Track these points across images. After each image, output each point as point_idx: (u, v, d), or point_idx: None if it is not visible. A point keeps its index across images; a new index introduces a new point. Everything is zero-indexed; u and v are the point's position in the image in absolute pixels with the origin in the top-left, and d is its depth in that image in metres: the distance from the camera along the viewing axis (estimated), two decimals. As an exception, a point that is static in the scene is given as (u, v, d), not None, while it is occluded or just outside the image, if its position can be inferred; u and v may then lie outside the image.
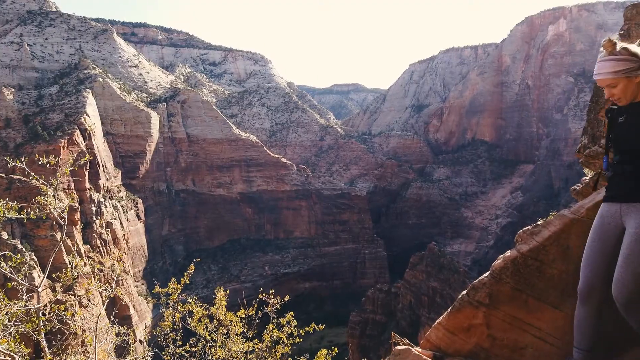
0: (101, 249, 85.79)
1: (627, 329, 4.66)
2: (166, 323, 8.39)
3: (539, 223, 6.73)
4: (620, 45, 4.40)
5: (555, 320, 5.44)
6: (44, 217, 6.60)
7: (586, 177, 11.16)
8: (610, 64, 4.36)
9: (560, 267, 5.46)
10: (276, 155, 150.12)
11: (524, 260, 5.67)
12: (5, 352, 5.61)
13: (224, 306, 8.72)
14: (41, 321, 5.99)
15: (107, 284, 8.17)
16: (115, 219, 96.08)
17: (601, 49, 4.70)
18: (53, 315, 6.40)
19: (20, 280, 6.17)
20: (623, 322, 4.61)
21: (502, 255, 6.15)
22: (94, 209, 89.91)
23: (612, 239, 4.52)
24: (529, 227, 7.27)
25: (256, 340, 8.82)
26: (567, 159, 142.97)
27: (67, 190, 79.24)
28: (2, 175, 73.13)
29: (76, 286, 58.51)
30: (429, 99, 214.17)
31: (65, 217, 6.72)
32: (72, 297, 58.54)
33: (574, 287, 5.37)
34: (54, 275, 7.74)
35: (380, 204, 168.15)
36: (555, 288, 5.47)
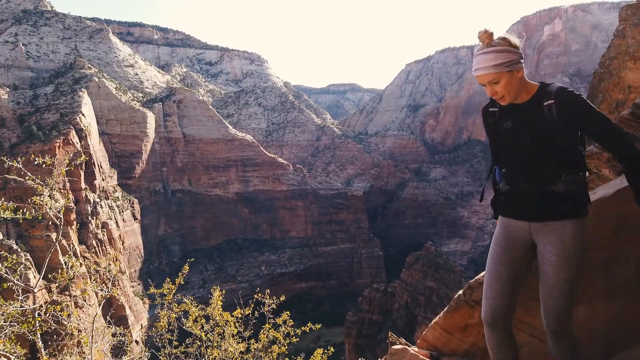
0: (97, 249, 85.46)
1: (622, 327, 4.68)
2: (161, 323, 8.37)
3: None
4: (498, 35, 3.85)
5: (551, 320, 5.46)
6: (40, 218, 6.58)
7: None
8: (490, 56, 3.74)
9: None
10: (272, 155, 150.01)
11: (520, 259, 5.68)
12: (2, 352, 5.60)
13: (220, 306, 8.71)
14: (37, 322, 5.97)
15: (103, 285, 8.15)
16: (111, 219, 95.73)
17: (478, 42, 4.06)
18: (49, 315, 6.38)
19: (15, 281, 6.15)
20: (618, 320, 4.63)
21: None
22: (89, 209, 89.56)
23: (519, 260, 3.97)
24: (524, 226, 7.29)
25: (253, 340, 8.81)
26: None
27: (62, 191, 78.91)
28: (-3, 175, 72.75)
29: (72, 287, 58.30)
30: (425, 98, 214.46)
31: (61, 217, 6.70)
32: (68, 297, 58.32)
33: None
34: (49, 276, 7.72)
35: (377, 204, 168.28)
36: None
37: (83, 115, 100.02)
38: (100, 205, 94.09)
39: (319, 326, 9.83)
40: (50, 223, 66.63)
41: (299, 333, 9.18)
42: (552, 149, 3.72)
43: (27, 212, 6.37)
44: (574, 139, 3.77)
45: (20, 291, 6.21)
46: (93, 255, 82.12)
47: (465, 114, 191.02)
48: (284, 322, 8.87)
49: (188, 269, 9.29)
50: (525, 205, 3.88)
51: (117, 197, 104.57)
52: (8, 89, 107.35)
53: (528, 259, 4.08)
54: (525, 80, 3.84)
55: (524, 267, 4.12)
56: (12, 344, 5.79)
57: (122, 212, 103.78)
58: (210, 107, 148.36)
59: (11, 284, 6.18)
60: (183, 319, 8.46)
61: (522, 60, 3.77)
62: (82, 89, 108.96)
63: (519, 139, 3.86)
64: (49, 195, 6.55)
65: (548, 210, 3.77)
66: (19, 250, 60.77)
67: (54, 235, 66.27)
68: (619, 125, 8.12)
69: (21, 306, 5.98)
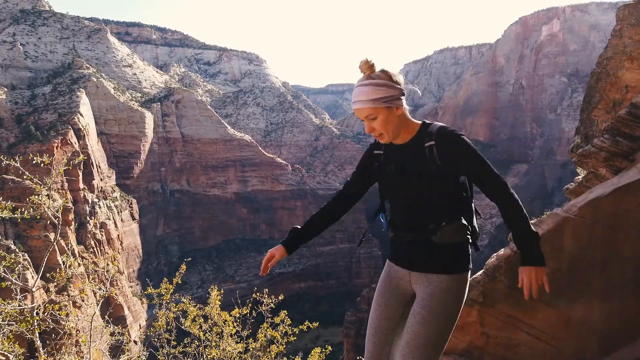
0: (95, 249, 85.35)
1: (620, 326, 4.70)
2: (160, 323, 8.37)
3: (532, 222, 6.78)
4: (377, 67, 3.41)
5: (548, 318, 5.48)
6: (38, 217, 6.58)
7: (579, 177, 11.23)
8: (368, 89, 3.31)
9: (553, 265, 5.50)
10: (271, 155, 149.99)
11: (518, 258, 5.70)
12: (0, 351, 5.60)
13: (218, 306, 8.71)
14: (35, 321, 5.98)
15: (102, 284, 8.14)
16: (109, 219, 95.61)
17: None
18: (47, 315, 6.38)
19: (14, 280, 6.15)
20: (615, 318, 4.65)
21: (495, 254, 6.19)
22: (87, 209, 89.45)
23: (401, 306, 3.65)
24: (522, 225, 7.30)
25: (251, 339, 8.82)
26: (560, 159, 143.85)
27: (60, 191, 78.79)
28: (-6, 175, 72.64)
29: (70, 286, 58.24)
30: (424, 98, 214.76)
31: (60, 217, 6.70)
32: (67, 297, 58.25)
33: (567, 286, 5.41)
34: (47, 276, 7.72)
35: (376, 204, 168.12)
36: (548, 286, 5.51)
37: (81, 115, 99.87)
38: (99, 205, 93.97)
39: (316, 324, 9.83)
40: (48, 223, 66.55)
41: (297, 332, 9.19)
42: (434, 196, 3.36)
43: (25, 212, 6.37)
44: (457, 184, 3.41)
45: (18, 291, 6.21)
46: (91, 255, 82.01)
47: (463, 114, 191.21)
48: (282, 321, 8.88)
49: (185, 269, 9.29)
50: (406, 254, 3.59)
51: (116, 197, 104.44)
52: (6, 89, 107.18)
53: (409, 310, 3.63)
54: (406, 119, 3.46)
55: (404, 319, 3.66)
56: (11, 343, 5.80)
57: (121, 212, 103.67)
58: (209, 107, 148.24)
59: (9, 283, 6.18)
60: (182, 319, 8.47)
61: (402, 97, 3.40)
62: (80, 89, 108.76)
63: (400, 184, 3.51)
64: (47, 195, 6.54)
65: (426, 261, 3.45)
66: (17, 250, 60.69)
67: (52, 235, 66.19)
68: (617, 125, 8.15)
69: (19, 305, 5.98)
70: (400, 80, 3.41)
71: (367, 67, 3.38)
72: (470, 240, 3.49)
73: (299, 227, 3.93)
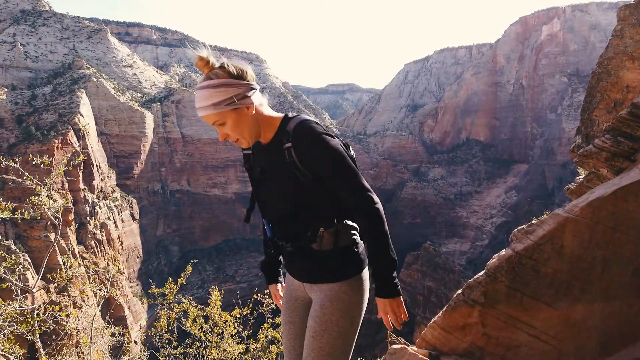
0: (95, 249, 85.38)
1: (621, 326, 4.70)
2: (161, 324, 8.37)
3: (533, 222, 6.78)
4: (216, 62, 2.93)
5: (549, 319, 5.48)
6: (38, 218, 6.58)
7: (580, 177, 11.22)
8: (207, 92, 2.80)
9: (555, 265, 5.50)
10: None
11: (519, 259, 5.70)
12: (1, 352, 5.60)
13: (218, 306, 8.71)
14: (36, 322, 5.97)
15: (102, 285, 8.14)
16: (109, 219, 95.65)
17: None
18: (48, 315, 6.38)
19: (14, 281, 6.14)
20: (616, 319, 4.65)
21: (497, 254, 6.18)
22: (88, 209, 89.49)
23: (299, 318, 3.40)
24: (523, 226, 7.33)
25: (251, 340, 8.81)
26: (561, 159, 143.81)
27: (61, 191, 78.82)
28: (-5, 175, 72.66)
29: (70, 287, 58.27)
30: (424, 99, 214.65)
31: (60, 217, 6.69)
32: (67, 297, 58.30)
33: (567, 286, 5.41)
34: (48, 276, 7.72)
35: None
36: (550, 287, 5.51)
37: (81, 115, 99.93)
38: (99, 205, 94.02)
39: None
40: (48, 223, 66.58)
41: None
42: (307, 202, 2.93)
43: (26, 213, 6.36)
44: (328, 187, 2.95)
45: (19, 291, 6.20)
46: (92, 255, 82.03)
47: (463, 114, 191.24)
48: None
49: (191, 270, 9.28)
50: (292, 265, 3.22)
51: (116, 198, 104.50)
52: (6, 89, 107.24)
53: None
54: (264, 115, 2.99)
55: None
56: (11, 344, 5.80)
57: (121, 212, 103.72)
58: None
59: (10, 284, 6.18)
60: (183, 319, 8.47)
61: (252, 92, 2.89)
62: (81, 89, 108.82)
63: (268, 190, 3.08)
64: (47, 196, 6.54)
65: (311, 272, 3.09)
66: (18, 250, 60.75)
67: (52, 236, 66.22)
68: (618, 125, 8.14)
69: (20, 306, 5.98)
70: (247, 73, 2.94)
71: (203, 64, 2.91)
72: (359, 240, 3.08)
73: (265, 260, 3.59)
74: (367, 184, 2.86)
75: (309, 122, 2.93)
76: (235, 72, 2.87)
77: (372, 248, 2.83)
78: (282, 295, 3.51)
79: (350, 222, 3.03)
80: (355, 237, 3.05)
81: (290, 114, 3.07)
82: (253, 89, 2.91)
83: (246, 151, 3.27)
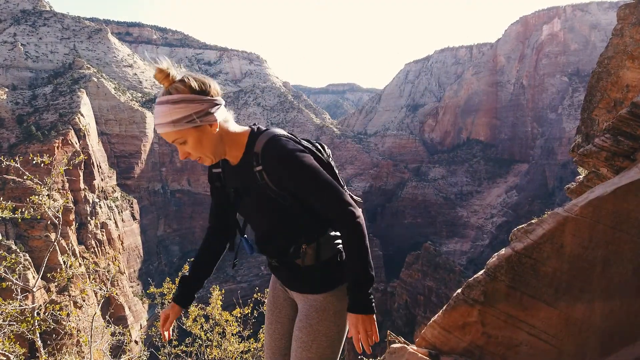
0: (96, 249, 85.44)
1: (621, 325, 4.70)
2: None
3: (533, 221, 6.79)
4: (177, 75, 2.66)
5: (549, 318, 5.48)
6: (39, 217, 6.61)
7: (580, 176, 11.22)
8: (166, 109, 2.55)
9: (554, 265, 5.50)
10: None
11: (519, 258, 5.70)
12: (1, 352, 5.60)
13: (219, 306, 8.72)
14: (36, 321, 5.98)
15: (102, 284, 8.15)
16: (110, 219, 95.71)
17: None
18: (48, 315, 6.39)
19: (15, 280, 6.15)
20: (616, 318, 4.65)
21: (496, 254, 6.18)
22: (88, 209, 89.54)
23: (287, 317, 3.41)
24: (523, 225, 7.33)
25: (252, 339, 8.83)
26: (561, 159, 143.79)
27: (61, 191, 78.88)
28: (-5, 175, 72.72)
29: (71, 286, 58.29)
30: (424, 98, 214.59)
31: (60, 217, 6.70)
32: (67, 297, 58.32)
33: (567, 285, 5.41)
34: (48, 276, 7.73)
35: (376, 204, 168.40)
36: (549, 286, 5.51)
37: (82, 115, 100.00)
38: (100, 205, 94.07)
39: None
40: (49, 223, 66.63)
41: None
42: (286, 220, 2.85)
43: (26, 212, 6.37)
44: (306, 204, 2.87)
45: (19, 291, 6.21)
46: (92, 255, 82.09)
47: (464, 113, 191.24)
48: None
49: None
50: (280, 277, 3.25)
51: (116, 197, 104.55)
52: (7, 89, 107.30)
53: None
54: (230, 132, 2.78)
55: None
56: (11, 343, 5.81)
57: (121, 212, 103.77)
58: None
59: (10, 283, 6.19)
60: (183, 319, 8.48)
61: (216, 109, 2.66)
62: (81, 89, 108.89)
63: (245, 210, 3.00)
64: (48, 195, 6.55)
65: (297, 283, 3.07)
66: (18, 250, 60.79)
67: (53, 236, 66.26)
68: (618, 125, 8.14)
69: (20, 305, 5.99)
70: (211, 87, 2.70)
71: (163, 77, 2.61)
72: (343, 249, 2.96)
73: (187, 275, 3.43)
74: (347, 197, 2.77)
75: (277, 140, 2.73)
76: (197, 87, 2.64)
77: (351, 263, 2.70)
78: (168, 323, 3.35)
79: (333, 233, 2.98)
80: (339, 246, 3.00)
81: (256, 128, 2.88)
82: (217, 104, 2.69)
83: (215, 169, 3.09)
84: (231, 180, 2.96)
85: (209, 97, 2.65)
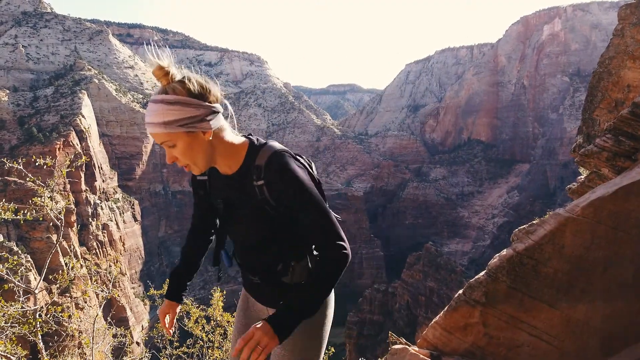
0: (97, 250, 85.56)
1: (622, 326, 4.69)
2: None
3: (534, 222, 6.79)
4: (177, 74, 2.59)
5: (550, 319, 5.47)
6: (40, 219, 6.63)
7: (581, 176, 11.21)
8: (159, 108, 2.43)
9: (556, 265, 5.49)
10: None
11: (520, 259, 5.70)
12: (2, 353, 5.61)
13: (220, 307, 8.73)
14: (38, 323, 5.99)
15: (104, 286, 8.16)
16: (111, 220, 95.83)
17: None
18: (50, 316, 6.40)
19: (16, 282, 6.16)
20: (617, 319, 4.64)
21: (498, 254, 6.18)
22: (90, 210, 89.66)
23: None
24: (524, 226, 7.33)
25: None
26: (562, 159, 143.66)
27: (63, 192, 78.97)
28: (-3, 177, 72.84)
29: (72, 288, 58.35)
30: (425, 99, 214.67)
31: (62, 218, 6.71)
32: (69, 299, 58.36)
33: (568, 286, 5.41)
34: (50, 277, 7.74)
35: (377, 204, 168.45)
36: (551, 286, 5.50)
37: (83, 116, 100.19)
38: (101, 206, 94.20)
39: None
40: (50, 225, 66.72)
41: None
42: (279, 237, 2.76)
43: (28, 214, 6.39)
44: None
45: (21, 292, 6.22)
46: (94, 256, 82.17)
47: (465, 114, 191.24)
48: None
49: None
50: (259, 294, 3.08)
51: (118, 199, 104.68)
52: (8, 91, 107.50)
53: None
54: (224, 142, 2.64)
55: None
56: (13, 345, 5.81)
57: (123, 213, 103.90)
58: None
59: (12, 285, 6.20)
60: (185, 320, 8.49)
61: (212, 116, 2.54)
62: (82, 91, 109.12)
63: (234, 224, 2.84)
64: (50, 197, 6.56)
65: (279, 300, 2.87)
66: (20, 252, 60.87)
67: (54, 237, 66.36)
68: (619, 125, 8.13)
69: (22, 307, 6.00)
70: (210, 92, 2.59)
71: (162, 74, 2.53)
72: None
73: (179, 269, 3.33)
74: (341, 231, 2.63)
75: (281, 156, 2.63)
76: (196, 90, 2.51)
77: (310, 290, 2.53)
78: (170, 321, 3.30)
79: (311, 259, 2.90)
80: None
81: (256, 141, 2.75)
82: (215, 111, 2.55)
83: (200, 177, 2.94)
84: (221, 190, 2.82)
85: (207, 103, 2.52)
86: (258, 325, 2.36)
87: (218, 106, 2.61)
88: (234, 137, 2.71)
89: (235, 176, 2.71)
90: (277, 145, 2.75)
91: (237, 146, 2.69)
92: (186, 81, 2.53)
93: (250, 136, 2.79)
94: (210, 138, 2.55)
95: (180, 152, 2.52)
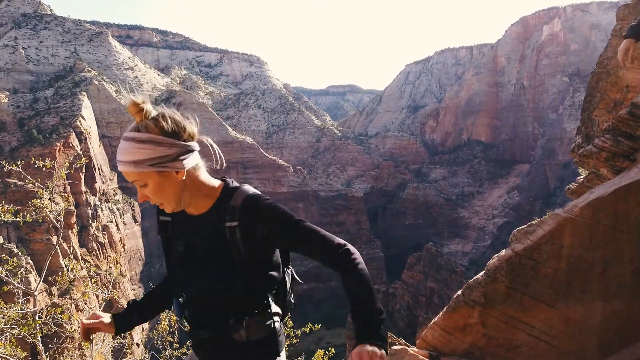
0: (97, 252, 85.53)
1: (621, 327, 4.70)
2: (162, 326, 8.39)
3: (533, 222, 6.79)
4: (152, 111, 2.46)
5: (549, 319, 5.48)
6: (40, 221, 6.64)
7: (581, 177, 11.22)
8: (129, 146, 2.34)
9: (554, 265, 5.51)
10: (273, 157, 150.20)
11: (519, 259, 5.71)
12: (2, 355, 5.62)
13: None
14: (37, 324, 5.99)
15: (104, 287, 8.16)
16: (111, 222, 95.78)
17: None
18: (49, 318, 6.41)
19: (16, 284, 6.17)
20: (616, 319, 4.65)
21: (497, 255, 6.20)
22: (90, 212, 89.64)
23: None
24: (523, 226, 7.34)
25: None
26: (562, 159, 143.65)
27: (63, 194, 78.96)
28: (-3, 179, 72.85)
29: (72, 290, 58.33)
30: (425, 99, 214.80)
31: (62, 220, 6.72)
32: (69, 300, 58.34)
33: (567, 286, 5.42)
34: (50, 279, 7.75)
35: (377, 205, 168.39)
36: (550, 287, 5.51)
37: (83, 118, 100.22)
38: (101, 208, 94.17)
39: (318, 326, 9.84)
40: (50, 226, 66.72)
41: (299, 334, 9.20)
42: (236, 287, 2.58)
43: (28, 215, 6.40)
44: (268, 265, 2.67)
45: (20, 294, 6.23)
46: (94, 258, 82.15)
47: (465, 114, 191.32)
48: (284, 323, 8.87)
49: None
50: (203, 350, 2.80)
51: (118, 200, 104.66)
52: (8, 93, 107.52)
53: None
54: (198, 181, 2.55)
55: None
56: (13, 346, 5.82)
57: (123, 215, 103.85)
58: (210, 109, 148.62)
59: (12, 287, 6.20)
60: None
61: (187, 156, 2.45)
62: (82, 92, 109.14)
63: (190, 270, 2.65)
64: (49, 199, 6.57)
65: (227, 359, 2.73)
66: (20, 253, 60.89)
67: (54, 239, 66.39)
68: (618, 125, 8.14)
69: (22, 309, 6.00)
70: (186, 130, 2.48)
71: (136, 111, 2.40)
72: (280, 326, 2.78)
73: (139, 302, 3.03)
74: (335, 237, 2.53)
75: (259, 196, 2.58)
76: (169, 128, 2.41)
77: (362, 302, 2.39)
78: (91, 326, 2.87)
79: (274, 309, 2.73)
80: (277, 323, 2.76)
81: (230, 183, 2.67)
82: (189, 150, 2.47)
83: (163, 217, 2.77)
84: (184, 231, 2.65)
85: (181, 142, 2.43)
86: (362, 349, 2.22)
87: (194, 144, 2.52)
88: (209, 177, 2.62)
89: (204, 217, 2.58)
90: (252, 188, 2.70)
91: (211, 187, 2.61)
92: (160, 119, 2.42)
93: (225, 178, 2.70)
94: (184, 178, 2.46)
95: (151, 191, 2.44)
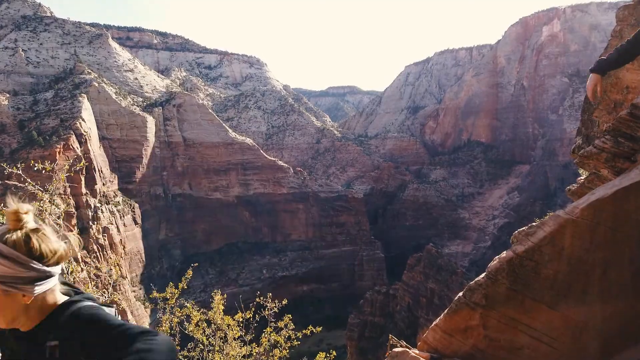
0: (98, 254, 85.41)
1: (621, 327, 4.69)
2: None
3: (534, 224, 6.78)
4: (30, 224, 2.37)
5: (550, 321, 5.46)
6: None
7: (581, 177, 11.21)
8: None
9: (555, 267, 5.49)
10: (273, 158, 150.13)
11: (520, 260, 5.70)
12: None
13: (221, 310, 8.72)
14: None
15: (104, 289, 8.16)
16: (111, 223, 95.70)
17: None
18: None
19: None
20: (616, 320, 4.64)
21: (497, 256, 6.18)
22: (90, 214, 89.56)
23: None
24: (524, 228, 7.32)
25: (254, 344, 8.81)
26: (562, 159, 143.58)
27: (63, 196, 78.95)
28: (-3, 181, 72.81)
29: (73, 292, 58.27)
30: (425, 100, 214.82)
31: (62, 222, 6.71)
32: (69, 302, 58.22)
33: (569, 288, 5.40)
34: (50, 281, 7.71)
35: (377, 206, 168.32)
36: (551, 288, 5.50)
37: (83, 120, 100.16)
38: (101, 210, 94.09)
39: (319, 329, 9.82)
40: (51, 228, 66.64)
41: (300, 336, 9.19)
42: None
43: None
44: None
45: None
46: (94, 260, 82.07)
47: (464, 115, 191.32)
48: (286, 325, 8.88)
49: (191, 274, 9.29)
50: None
51: (118, 202, 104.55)
52: (8, 95, 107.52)
53: None
54: (42, 303, 2.43)
55: None
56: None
57: (123, 216, 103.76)
58: (210, 110, 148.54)
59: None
60: (185, 323, 8.47)
61: (41, 282, 2.33)
62: (82, 94, 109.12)
63: None
64: (49, 201, 6.56)
65: None
66: (20, 255, 60.79)
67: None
68: (618, 126, 8.13)
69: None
70: (55, 256, 2.35)
71: (14, 219, 2.28)
72: None
73: None
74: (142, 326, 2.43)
75: (85, 310, 2.43)
76: (37, 253, 2.28)
77: None
78: None
79: None
80: None
81: (73, 299, 2.52)
82: (49, 276, 2.35)
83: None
84: (10, 345, 2.54)
85: (43, 268, 2.30)
86: None
87: (56, 270, 2.40)
88: (57, 296, 2.48)
89: (28, 334, 2.46)
90: (84, 301, 2.53)
91: (49, 306, 2.46)
92: (33, 237, 2.28)
93: (77, 291, 2.58)
94: (28, 302, 2.34)
95: None
